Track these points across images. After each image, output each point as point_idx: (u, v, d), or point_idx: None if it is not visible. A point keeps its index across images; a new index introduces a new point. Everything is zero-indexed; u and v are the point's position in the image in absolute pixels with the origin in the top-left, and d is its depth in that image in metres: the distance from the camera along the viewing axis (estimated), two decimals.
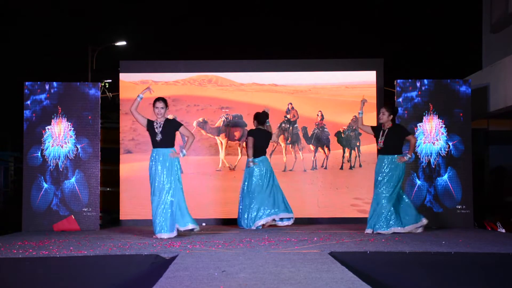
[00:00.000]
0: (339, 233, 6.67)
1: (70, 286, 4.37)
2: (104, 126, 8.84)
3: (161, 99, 6.45)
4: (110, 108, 12.94)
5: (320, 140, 8.38)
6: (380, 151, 6.76)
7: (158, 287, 3.45)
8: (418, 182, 7.63)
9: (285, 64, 8.53)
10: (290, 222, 7.43)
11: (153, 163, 6.38)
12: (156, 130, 6.38)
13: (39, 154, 7.57)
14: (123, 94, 8.30)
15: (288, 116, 8.40)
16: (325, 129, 8.38)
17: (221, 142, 8.36)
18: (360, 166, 8.31)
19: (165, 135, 6.38)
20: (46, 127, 7.60)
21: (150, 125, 6.43)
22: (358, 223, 7.81)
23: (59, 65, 20.54)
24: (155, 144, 6.41)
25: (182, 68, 8.48)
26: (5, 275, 4.56)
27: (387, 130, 6.69)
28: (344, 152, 8.38)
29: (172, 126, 6.47)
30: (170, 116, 6.88)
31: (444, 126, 7.69)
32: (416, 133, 7.68)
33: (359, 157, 8.35)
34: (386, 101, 8.36)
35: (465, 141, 7.68)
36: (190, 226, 6.39)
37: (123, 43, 20.39)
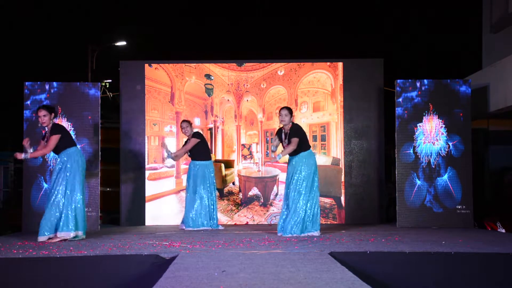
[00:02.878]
0: (339, 233, 6.66)
1: (70, 286, 4.37)
2: (104, 126, 8.84)
3: (43, 107, 6.20)
4: (110, 108, 12.94)
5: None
6: (291, 154, 6.44)
7: (158, 287, 3.45)
8: (418, 182, 7.63)
9: (283, 65, 8.53)
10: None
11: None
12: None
13: None
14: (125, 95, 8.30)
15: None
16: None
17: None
18: None
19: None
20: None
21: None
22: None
23: (59, 65, 20.54)
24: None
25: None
26: (5, 275, 4.56)
27: (289, 131, 6.42)
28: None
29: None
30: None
31: (444, 126, 7.70)
32: (416, 133, 7.69)
33: None
34: (386, 101, 8.38)
35: (465, 141, 7.68)
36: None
37: (123, 43, 20.39)
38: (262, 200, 8.31)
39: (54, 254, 4.94)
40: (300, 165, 6.38)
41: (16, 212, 8.37)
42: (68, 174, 6.09)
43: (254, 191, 8.35)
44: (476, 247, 5.24)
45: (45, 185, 7.53)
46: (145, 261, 4.67)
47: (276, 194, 8.33)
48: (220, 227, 7.36)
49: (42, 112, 6.15)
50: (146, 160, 8.30)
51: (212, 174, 7.39)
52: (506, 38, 9.30)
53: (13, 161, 12.10)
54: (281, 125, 6.51)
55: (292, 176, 6.39)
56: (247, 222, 8.19)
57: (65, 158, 6.13)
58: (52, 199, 6.05)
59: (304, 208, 6.31)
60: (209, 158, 7.43)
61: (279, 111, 6.49)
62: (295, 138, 6.32)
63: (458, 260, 4.78)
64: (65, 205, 6.04)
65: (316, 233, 6.32)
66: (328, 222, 8.12)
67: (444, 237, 6.14)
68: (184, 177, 8.38)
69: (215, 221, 7.35)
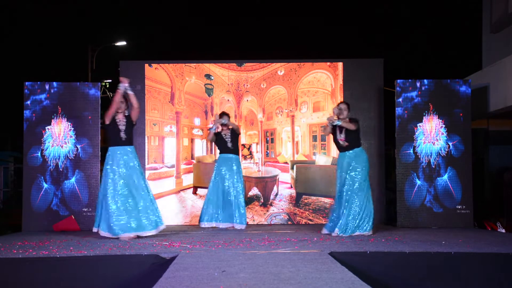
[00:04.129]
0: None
1: (70, 286, 4.38)
2: (104, 126, 8.83)
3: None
4: None
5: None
6: (344, 148, 6.54)
7: (158, 287, 3.45)
8: (418, 182, 7.63)
9: (283, 65, 8.53)
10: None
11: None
12: (120, 128, 6.41)
13: (39, 154, 7.57)
14: None
15: None
16: None
17: None
18: None
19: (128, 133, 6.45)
20: (46, 127, 7.61)
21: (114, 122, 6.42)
22: None
23: (59, 65, 20.54)
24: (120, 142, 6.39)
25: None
26: (5, 275, 4.56)
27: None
28: None
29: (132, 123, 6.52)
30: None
31: (444, 126, 7.70)
32: (416, 133, 7.68)
33: None
34: (386, 101, 8.37)
35: (465, 141, 7.68)
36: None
37: (123, 43, 20.40)
38: (262, 200, 8.31)
39: (54, 254, 4.94)
40: (357, 161, 6.45)
41: (16, 212, 8.36)
42: (138, 172, 6.32)
43: (254, 191, 8.35)
44: (476, 247, 5.24)
45: (45, 185, 7.53)
46: (145, 261, 4.67)
47: (276, 194, 8.33)
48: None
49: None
50: (146, 160, 8.30)
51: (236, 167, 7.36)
52: (506, 38, 9.29)
53: (13, 161, 12.10)
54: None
55: (349, 173, 6.42)
56: (247, 222, 8.18)
57: (132, 156, 6.35)
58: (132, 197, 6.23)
59: (369, 205, 6.40)
60: None
61: (338, 105, 6.61)
62: (355, 122, 6.47)
63: (458, 260, 4.78)
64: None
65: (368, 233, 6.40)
66: None
67: (444, 237, 6.14)
68: (184, 177, 8.38)
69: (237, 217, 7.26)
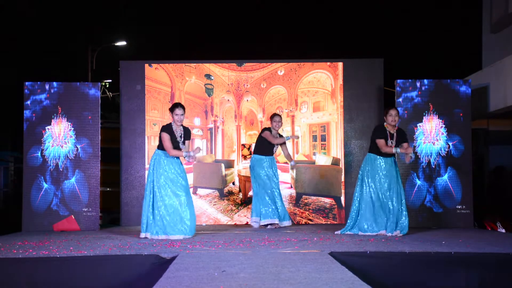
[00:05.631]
0: (339, 233, 6.66)
1: (70, 286, 4.38)
2: (104, 126, 8.84)
3: (183, 106, 6.43)
4: (110, 108, 12.95)
5: None
6: (391, 154, 6.51)
7: (158, 287, 3.45)
8: (418, 182, 7.63)
9: (283, 65, 8.52)
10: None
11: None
12: (178, 139, 6.40)
13: (39, 154, 7.58)
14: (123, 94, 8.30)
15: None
16: None
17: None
18: None
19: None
20: (46, 127, 7.61)
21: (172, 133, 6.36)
22: None
23: (59, 65, 20.52)
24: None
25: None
26: (5, 275, 4.57)
27: (395, 133, 6.53)
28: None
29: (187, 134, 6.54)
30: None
31: (444, 126, 7.70)
32: (416, 133, 7.69)
33: None
34: (386, 101, 8.36)
35: (465, 141, 7.68)
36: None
37: (123, 43, 20.38)
38: None
39: (54, 254, 4.94)
40: (397, 166, 6.58)
41: (16, 212, 8.37)
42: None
43: None
44: (476, 247, 5.24)
45: (45, 185, 7.53)
46: (145, 261, 4.67)
47: None
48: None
49: (182, 111, 6.37)
50: (146, 160, 8.30)
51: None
52: (506, 38, 9.30)
53: (13, 161, 12.12)
54: (387, 125, 6.53)
55: (396, 176, 6.49)
56: (247, 222, 8.18)
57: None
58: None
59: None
60: None
61: (389, 111, 6.47)
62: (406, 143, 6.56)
63: (458, 260, 4.78)
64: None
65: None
66: (328, 222, 8.12)
67: (444, 237, 6.14)
68: None
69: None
